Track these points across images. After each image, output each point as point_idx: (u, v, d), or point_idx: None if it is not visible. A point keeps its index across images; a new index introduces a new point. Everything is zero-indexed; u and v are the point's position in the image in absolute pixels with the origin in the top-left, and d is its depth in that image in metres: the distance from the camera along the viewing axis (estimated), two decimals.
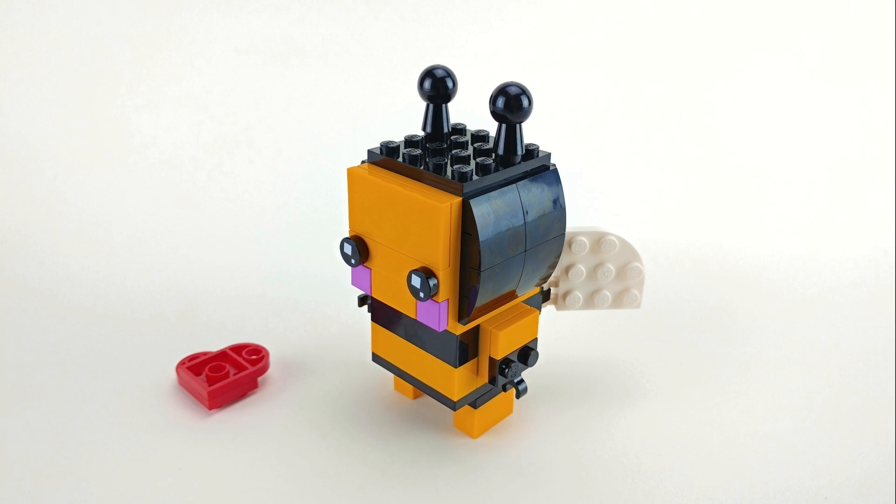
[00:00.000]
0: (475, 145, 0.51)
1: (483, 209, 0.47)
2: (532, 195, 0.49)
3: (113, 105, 0.94)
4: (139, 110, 0.94)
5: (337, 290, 0.71)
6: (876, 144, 0.94)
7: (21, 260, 0.78)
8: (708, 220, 0.88)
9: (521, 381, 0.54)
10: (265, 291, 0.73)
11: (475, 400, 0.54)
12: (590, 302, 0.59)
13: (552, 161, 0.52)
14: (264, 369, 0.60)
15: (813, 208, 0.89)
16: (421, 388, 0.55)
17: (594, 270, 0.58)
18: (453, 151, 0.49)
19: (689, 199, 0.91)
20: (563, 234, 0.52)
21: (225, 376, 0.58)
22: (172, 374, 0.62)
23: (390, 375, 0.61)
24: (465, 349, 0.51)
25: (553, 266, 0.53)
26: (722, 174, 0.93)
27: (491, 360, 0.52)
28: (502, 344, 0.51)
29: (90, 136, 0.92)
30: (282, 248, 0.81)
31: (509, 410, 0.58)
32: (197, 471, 0.52)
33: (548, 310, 0.60)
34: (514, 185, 0.49)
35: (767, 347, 0.67)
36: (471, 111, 0.63)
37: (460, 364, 0.51)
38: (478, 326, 0.52)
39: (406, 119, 0.68)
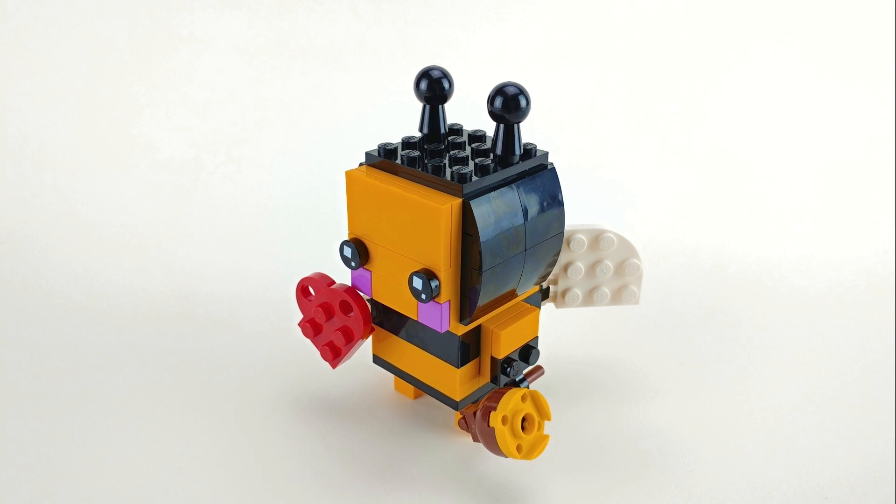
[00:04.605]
0: (473, 145, 0.51)
1: (483, 210, 0.47)
2: (531, 194, 0.49)
3: (113, 105, 0.94)
4: (139, 110, 0.94)
5: None
6: (876, 145, 0.94)
7: (21, 260, 0.78)
8: (708, 219, 0.88)
9: (523, 379, 0.54)
10: (265, 292, 0.73)
11: (477, 399, 0.54)
12: (589, 299, 0.59)
13: (550, 160, 0.52)
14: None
15: (813, 208, 0.89)
16: (422, 388, 0.55)
17: (593, 268, 0.58)
18: (451, 152, 0.49)
19: (689, 199, 0.91)
20: (563, 232, 0.52)
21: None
22: (171, 374, 0.62)
23: (390, 375, 0.61)
24: (467, 349, 0.51)
25: (552, 264, 0.53)
26: (722, 173, 0.93)
27: (493, 359, 0.52)
28: (504, 343, 0.51)
29: (90, 136, 0.92)
30: (281, 248, 0.81)
31: None
32: (197, 470, 0.52)
33: (547, 308, 0.60)
34: (513, 184, 0.49)
35: (768, 347, 0.67)
36: (466, 111, 0.63)
37: (462, 364, 0.51)
38: (479, 326, 0.52)
39: (402, 120, 0.68)
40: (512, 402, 0.49)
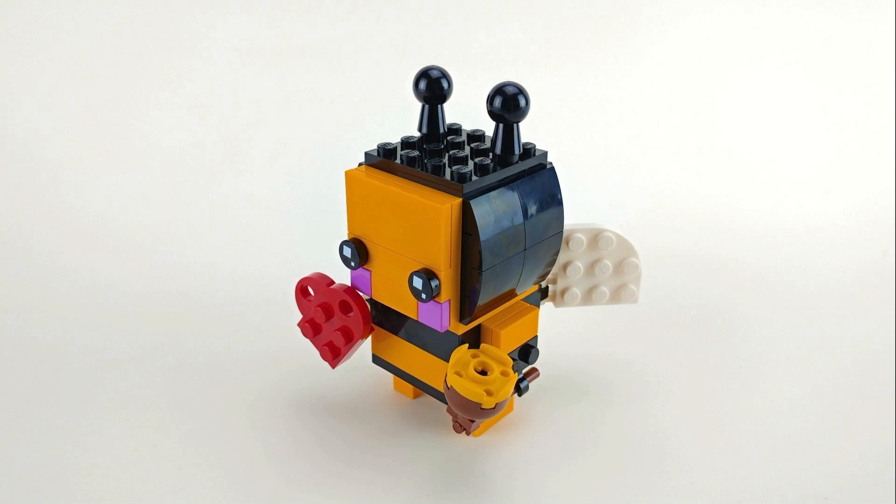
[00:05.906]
0: (472, 145, 0.51)
1: (483, 209, 0.47)
2: (530, 194, 0.49)
3: (113, 105, 0.94)
4: (139, 110, 0.94)
5: None
6: (876, 145, 0.95)
7: (21, 260, 0.78)
8: (707, 218, 0.88)
9: (523, 378, 0.54)
10: (264, 292, 0.73)
11: None
12: (588, 298, 0.59)
13: (549, 159, 0.52)
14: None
15: (813, 208, 0.89)
16: (422, 388, 0.55)
17: (592, 267, 0.58)
18: (451, 152, 0.49)
19: (688, 198, 0.91)
20: (562, 231, 0.52)
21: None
22: (171, 375, 0.62)
23: (390, 375, 0.61)
24: None
25: (552, 264, 0.53)
26: (721, 173, 0.93)
27: None
28: (504, 342, 0.51)
29: (90, 136, 0.92)
30: (281, 248, 0.81)
31: (510, 408, 0.58)
32: (196, 470, 0.52)
33: (546, 307, 0.60)
34: (512, 184, 0.49)
35: (767, 346, 0.67)
36: (463, 111, 0.63)
37: None
38: (478, 325, 0.52)
39: (402, 120, 0.68)
40: (454, 357, 0.48)
